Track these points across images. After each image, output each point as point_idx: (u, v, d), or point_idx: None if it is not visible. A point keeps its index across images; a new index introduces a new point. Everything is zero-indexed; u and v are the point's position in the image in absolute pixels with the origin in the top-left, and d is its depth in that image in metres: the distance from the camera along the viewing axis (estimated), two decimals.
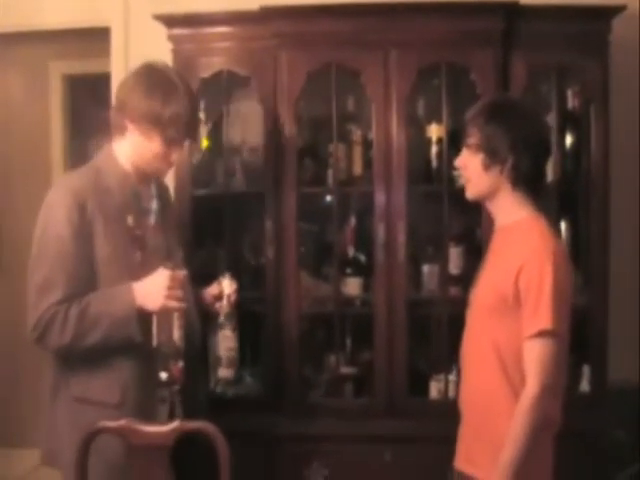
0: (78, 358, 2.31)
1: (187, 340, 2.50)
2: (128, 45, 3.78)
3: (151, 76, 2.38)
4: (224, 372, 2.81)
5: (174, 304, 2.31)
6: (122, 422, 2.07)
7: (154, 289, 2.27)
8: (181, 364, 2.45)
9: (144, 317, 2.29)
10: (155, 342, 2.34)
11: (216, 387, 2.97)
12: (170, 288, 2.27)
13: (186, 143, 2.49)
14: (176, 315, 2.38)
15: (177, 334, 2.41)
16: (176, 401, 2.48)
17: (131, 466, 2.10)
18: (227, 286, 2.75)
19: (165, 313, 2.33)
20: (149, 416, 2.30)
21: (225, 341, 2.79)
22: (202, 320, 2.68)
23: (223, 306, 2.74)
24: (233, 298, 2.74)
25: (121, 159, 2.42)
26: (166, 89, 2.35)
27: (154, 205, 2.53)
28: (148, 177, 2.49)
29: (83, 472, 2.11)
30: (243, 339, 3.43)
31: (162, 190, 2.65)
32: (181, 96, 2.35)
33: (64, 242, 2.26)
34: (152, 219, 2.51)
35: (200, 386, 2.69)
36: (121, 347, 2.30)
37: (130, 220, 2.35)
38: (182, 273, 2.35)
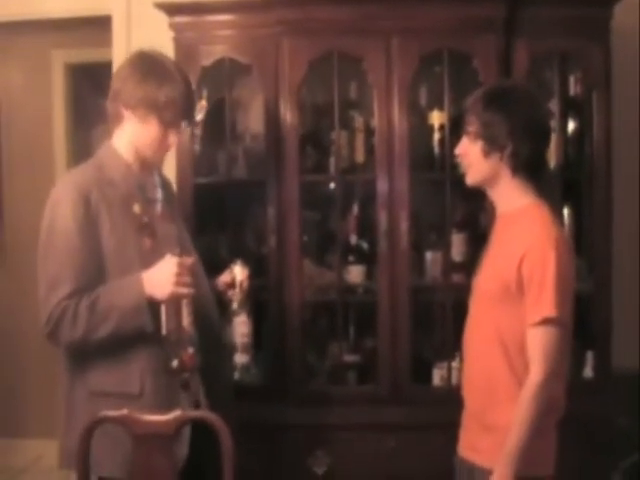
0: (93, 352, 2.31)
1: (207, 328, 2.50)
2: (130, 33, 3.78)
3: (144, 62, 2.40)
4: (241, 358, 2.83)
5: (183, 290, 2.31)
6: (124, 411, 2.08)
7: (162, 277, 2.27)
8: (192, 351, 2.44)
9: (154, 306, 2.29)
10: (164, 330, 2.33)
11: (234, 372, 2.97)
12: (178, 275, 2.27)
13: (183, 126, 2.48)
14: (185, 302, 2.37)
15: (187, 321, 2.40)
16: (199, 388, 2.47)
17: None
18: (239, 273, 2.74)
19: (174, 300, 2.32)
20: (171, 404, 2.28)
21: (240, 327, 2.80)
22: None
23: (236, 293, 2.74)
24: (246, 284, 2.74)
25: (122, 151, 2.42)
26: (160, 74, 2.37)
27: (159, 194, 2.53)
28: (149, 165, 2.49)
29: (85, 462, 2.12)
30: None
31: (165, 181, 2.66)
32: (175, 79, 2.38)
33: (71, 237, 2.26)
34: (158, 208, 2.51)
35: (223, 372, 2.68)
36: (133, 337, 2.30)
37: (137, 208, 2.36)
38: (190, 259, 2.36)
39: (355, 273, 3.33)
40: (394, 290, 3.19)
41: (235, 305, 2.76)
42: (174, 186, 3.01)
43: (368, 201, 3.35)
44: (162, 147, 2.44)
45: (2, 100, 5.08)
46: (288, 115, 3.21)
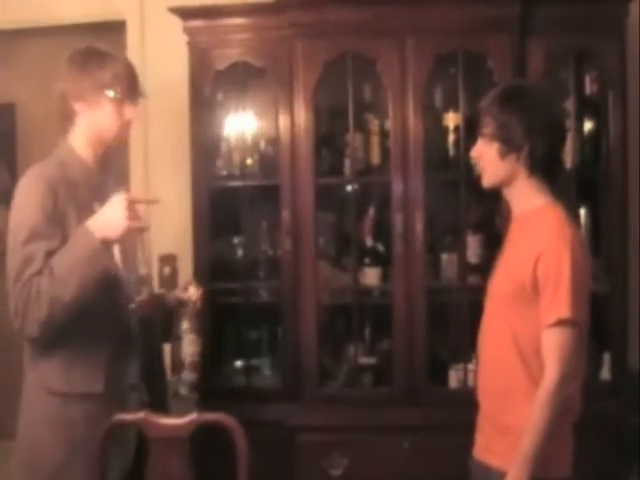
0: (53, 352, 2.27)
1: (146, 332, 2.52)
2: (144, 38, 3.79)
3: (78, 55, 2.42)
4: (188, 375, 2.84)
5: (138, 224, 2.26)
6: (140, 415, 2.09)
7: (113, 215, 2.21)
8: (148, 290, 2.46)
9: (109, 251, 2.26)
10: (122, 270, 2.32)
11: (179, 389, 2.96)
12: (129, 209, 2.21)
13: (136, 100, 2.46)
14: (139, 238, 2.39)
15: (142, 258, 2.43)
16: (142, 388, 2.48)
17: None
18: (193, 293, 2.75)
19: (129, 237, 2.29)
20: (123, 403, 2.31)
21: (190, 345, 2.82)
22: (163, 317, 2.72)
23: (189, 311, 2.76)
24: (199, 305, 2.76)
25: (80, 150, 2.42)
26: (96, 58, 2.40)
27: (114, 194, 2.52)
28: (107, 155, 2.48)
29: (102, 469, 2.13)
30: (261, 330, 3.47)
31: (117, 182, 2.65)
32: (113, 58, 2.41)
33: (38, 226, 2.22)
34: None
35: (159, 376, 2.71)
36: (95, 331, 2.28)
37: (97, 206, 2.32)
38: (137, 194, 2.32)
39: (371, 275, 3.33)
40: (410, 292, 3.19)
41: (187, 323, 2.78)
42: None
43: (383, 203, 3.35)
44: (122, 126, 2.43)
45: (18, 105, 5.11)
46: (302, 118, 3.21)
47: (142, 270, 2.47)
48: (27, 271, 2.17)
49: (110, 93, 2.37)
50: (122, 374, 2.38)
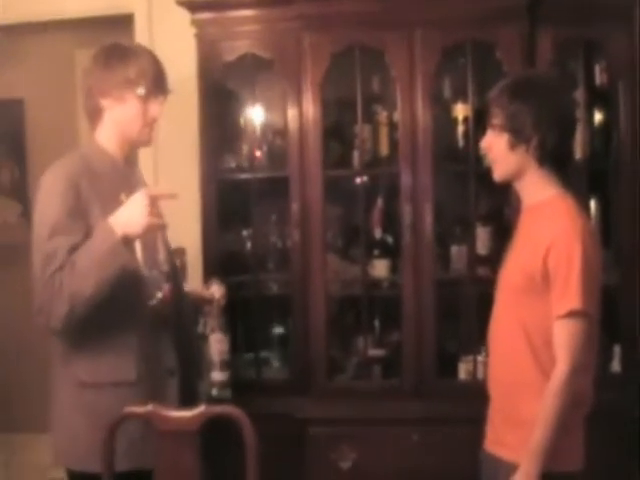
0: (83, 342, 2.29)
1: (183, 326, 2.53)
2: (152, 31, 3.78)
3: (105, 53, 2.43)
4: (218, 375, 2.82)
5: (158, 221, 2.27)
6: (149, 408, 2.08)
7: (135, 212, 2.22)
8: (168, 286, 2.44)
9: (130, 246, 2.26)
10: (143, 267, 2.33)
11: (211, 390, 2.94)
12: (151, 206, 2.22)
13: (162, 98, 2.45)
14: (160, 235, 2.40)
15: (163, 255, 2.43)
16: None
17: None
18: (216, 291, 2.78)
19: (150, 233, 2.31)
20: (160, 387, 2.34)
21: (217, 345, 2.81)
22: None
23: (213, 310, 2.78)
24: (222, 303, 2.78)
25: (106, 146, 2.43)
26: (122, 53, 2.40)
27: (141, 186, 2.48)
28: (133, 152, 2.52)
29: (109, 460, 2.13)
30: (270, 322, 3.47)
31: (142, 175, 2.67)
32: (138, 53, 2.42)
33: (59, 222, 2.23)
34: None
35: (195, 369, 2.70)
36: (123, 319, 2.29)
37: (124, 197, 2.32)
38: (158, 189, 2.34)
39: (380, 267, 3.32)
40: (419, 284, 3.18)
41: (212, 322, 2.79)
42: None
43: (392, 195, 3.34)
44: (146, 122, 2.43)
45: (27, 99, 5.12)
46: (311, 109, 3.21)
47: (163, 267, 2.46)
48: (49, 268, 2.19)
49: (135, 90, 2.37)
50: (157, 360, 2.39)
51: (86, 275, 2.18)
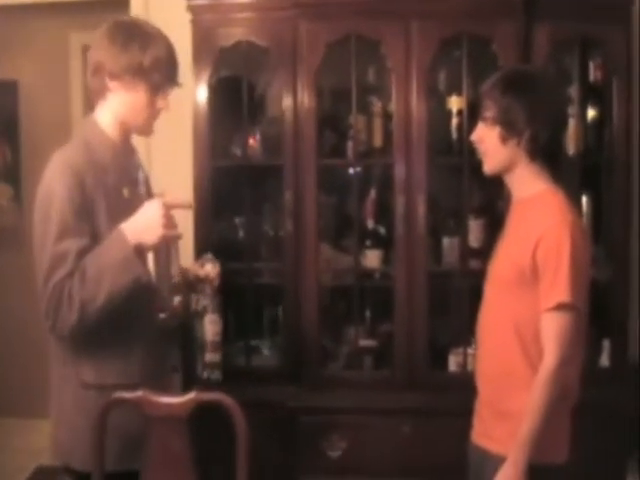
0: (89, 344, 2.25)
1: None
2: (148, 16, 3.74)
3: (123, 30, 2.32)
4: (210, 356, 2.78)
5: (174, 232, 2.23)
6: (139, 393, 2.08)
7: (150, 221, 2.17)
8: (178, 299, 2.41)
9: (141, 256, 2.20)
10: (156, 278, 2.25)
11: (203, 371, 2.90)
12: (166, 216, 2.18)
13: (170, 90, 2.39)
14: (173, 245, 2.31)
15: (175, 266, 2.35)
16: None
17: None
18: (211, 268, 2.62)
19: (164, 244, 2.25)
20: (163, 385, 2.33)
21: (211, 326, 2.75)
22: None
23: (206, 289, 2.67)
24: (217, 282, 2.64)
25: (107, 129, 2.35)
26: (141, 38, 2.29)
27: (141, 175, 2.47)
28: (130, 144, 2.44)
29: (100, 450, 2.14)
30: (262, 310, 3.47)
31: (140, 161, 2.59)
32: (157, 42, 2.31)
33: (67, 222, 2.17)
34: (142, 189, 2.45)
35: None
36: (130, 321, 2.26)
37: (126, 192, 2.31)
38: (173, 198, 2.25)
39: (372, 258, 3.33)
40: (411, 275, 3.19)
41: (206, 302, 2.71)
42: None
43: (385, 185, 3.34)
44: (151, 114, 2.36)
45: (21, 82, 5.10)
46: (306, 99, 3.20)
47: (175, 278, 2.38)
48: (58, 272, 2.13)
49: (147, 79, 2.28)
50: (162, 361, 2.39)
51: (97, 285, 2.13)
